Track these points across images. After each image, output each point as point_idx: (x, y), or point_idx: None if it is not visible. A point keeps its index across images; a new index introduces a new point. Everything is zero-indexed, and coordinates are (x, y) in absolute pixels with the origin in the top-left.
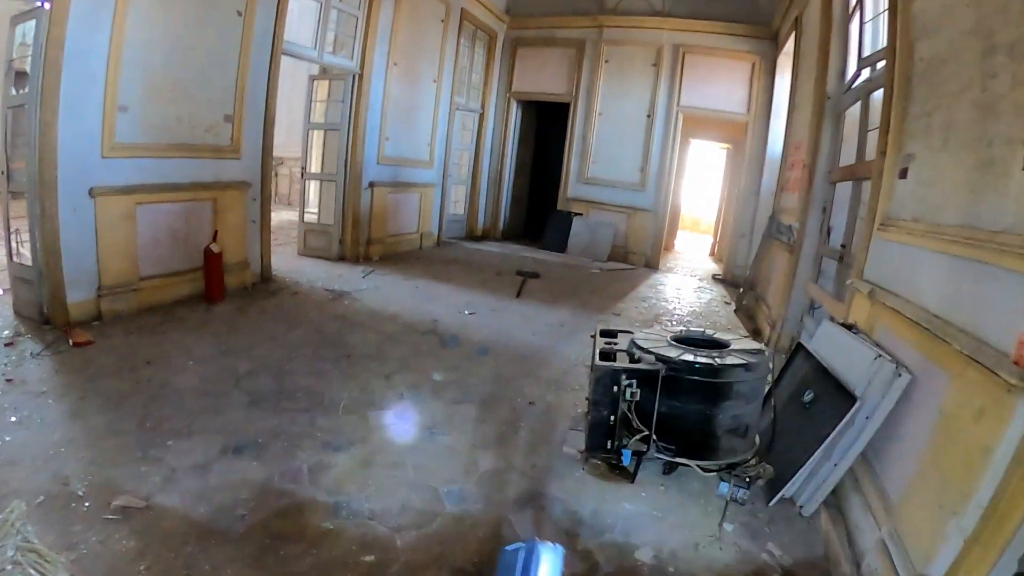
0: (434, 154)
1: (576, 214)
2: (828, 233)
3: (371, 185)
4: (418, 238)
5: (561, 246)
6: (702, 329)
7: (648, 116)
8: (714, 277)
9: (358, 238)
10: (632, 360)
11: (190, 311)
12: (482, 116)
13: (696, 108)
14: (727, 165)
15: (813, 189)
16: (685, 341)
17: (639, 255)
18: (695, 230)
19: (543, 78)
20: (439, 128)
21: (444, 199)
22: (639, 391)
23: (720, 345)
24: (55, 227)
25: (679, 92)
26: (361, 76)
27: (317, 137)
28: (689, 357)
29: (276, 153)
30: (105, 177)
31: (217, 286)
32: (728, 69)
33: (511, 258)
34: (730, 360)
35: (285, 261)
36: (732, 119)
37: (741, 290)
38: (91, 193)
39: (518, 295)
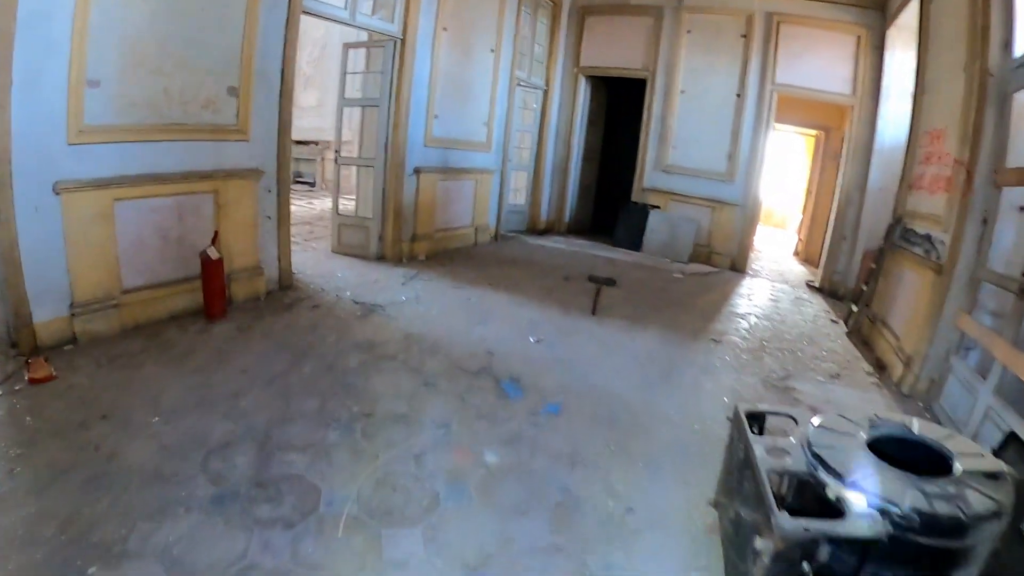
0: (492, 136)
1: (653, 207)
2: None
3: (416, 171)
4: (472, 232)
5: (635, 243)
6: (903, 423)
7: (738, 96)
8: (808, 285)
9: (400, 234)
10: (821, 498)
11: (181, 333)
12: (546, 93)
13: (793, 87)
14: (817, 154)
15: (972, 194)
16: (883, 443)
17: (724, 256)
18: (767, 223)
19: (615, 51)
20: (497, 106)
21: (503, 187)
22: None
23: (940, 458)
24: (11, 233)
25: (773, 68)
26: (404, 42)
27: (354, 115)
28: (923, 503)
29: (319, 136)
30: (73, 169)
31: (217, 300)
32: (828, 43)
33: (579, 258)
34: (979, 505)
35: (314, 261)
36: (833, 101)
37: (852, 307)
38: (56, 189)
39: (593, 311)
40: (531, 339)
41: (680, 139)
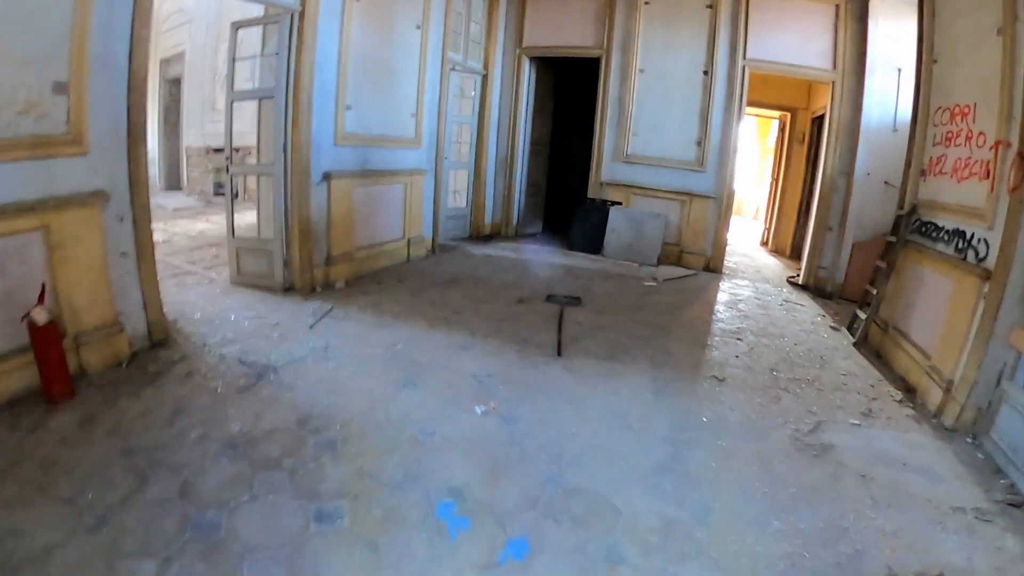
0: (421, 129)
1: (613, 203)
2: None
3: (327, 177)
4: (404, 247)
5: (595, 246)
6: None
7: (705, 73)
8: (790, 282)
9: (311, 257)
10: None
11: (10, 431)
12: (485, 79)
13: (766, 62)
14: (782, 137)
15: None
16: None
17: (697, 255)
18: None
19: (563, 27)
20: (427, 94)
21: (439, 190)
22: None
23: None
24: None
25: (744, 42)
26: (303, 16)
27: (247, 112)
28: None
29: (240, 142)
30: None
31: (56, 377)
32: (805, 13)
33: (533, 269)
34: None
35: (207, 298)
36: (811, 77)
37: (857, 312)
38: None
39: (558, 350)
40: (478, 409)
41: (641, 125)
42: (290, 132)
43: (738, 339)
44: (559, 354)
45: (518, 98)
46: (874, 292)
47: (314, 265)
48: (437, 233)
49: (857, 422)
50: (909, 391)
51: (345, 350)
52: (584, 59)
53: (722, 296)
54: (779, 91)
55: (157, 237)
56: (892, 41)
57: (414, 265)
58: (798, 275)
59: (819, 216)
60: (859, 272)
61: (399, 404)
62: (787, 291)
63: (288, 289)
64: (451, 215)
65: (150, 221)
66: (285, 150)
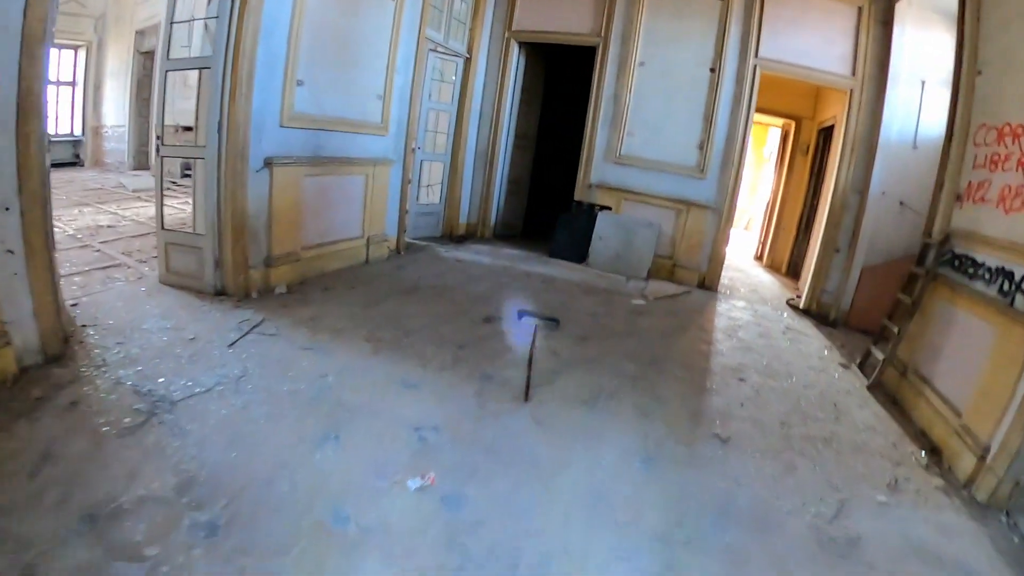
0: (389, 114)
1: (602, 208)
2: None
3: (268, 163)
4: (363, 247)
5: (579, 254)
6: None
7: (712, 71)
8: (790, 305)
9: (246, 257)
10: None
11: None
12: (468, 63)
13: (780, 63)
14: (784, 147)
15: None
16: None
17: (691, 271)
18: None
19: (558, 11)
20: (399, 74)
21: (406, 183)
22: None
23: None
24: None
25: (757, 39)
26: None
27: (182, 83)
28: None
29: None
30: None
31: None
32: (825, 12)
33: (507, 278)
34: None
35: (128, 300)
36: (828, 82)
37: (871, 350)
38: None
39: (526, 395)
40: (412, 483)
41: (638, 123)
42: (227, 107)
43: (741, 379)
44: (527, 398)
45: (503, 86)
46: (895, 330)
47: (250, 266)
48: (403, 232)
49: (884, 499)
50: (934, 451)
51: (263, 382)
52: (579, 48)
53: (719, 320)
54: (784, 97)
55: (103, 221)
56: (917, 51)
57: (373, 268)
58: (798, 297)
59: (827, 235)
60: (868, 299)
61: (311, 469)
62: (788, 316)
63: (219, 293)
64: (422, 212)
65: (46, 211)
66: (220, 130)
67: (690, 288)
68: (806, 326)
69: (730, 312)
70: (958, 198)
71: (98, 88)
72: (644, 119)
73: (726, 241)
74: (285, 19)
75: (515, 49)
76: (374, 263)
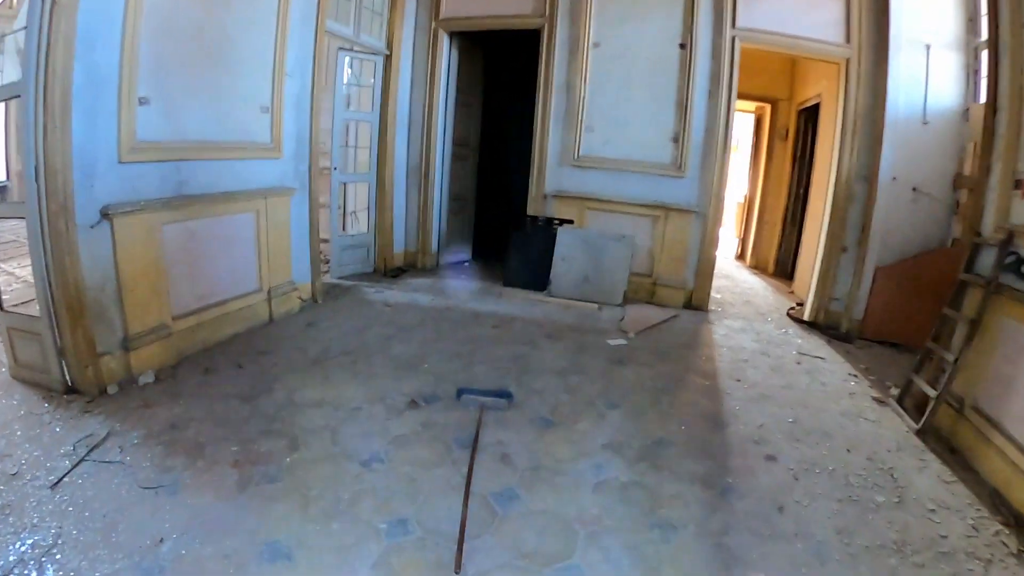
0: (280, 130)
1: (562, 222)
2: None
3: (106, 215)
4: (262, 303)
5: (539, 280)
6: None
7: (682, 47)
8: (792, 317)
9: (91, 341)
10: None
11: None
12: (389, 61)
13: (762, 33)
14: (760, 134)
15: None
16: None
17: (676, 288)
18: None
19: None
20: (292, 78)
21: (315, 212)
22: None
23: None
24: None
25: (733, 5)
26: None
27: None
28: None
29: None
30: None
31: None
32: None
33: (448, 324)
34: None
35: None
36: (819, 53)
37: (914, 380)
38: None
39: (458, 563)
40: None
41: (597, 117)
42: (40, 144)
43: (769, 456)
44: (458, 569)
45: (434, 86)
46: (949, 358)
47: (101, 353)
48: (319, 275)
49: None
50: (1019, 523)
51: (74, 556)
52: (521, 32)
53: (720, 356)
54: (756, 78)
55: None
56: (918, 11)
57: (277, 330)
58: (799, 306)
59: (831, 233)
60: (884, 305)
61: None
62: (794, 334)
63: (70, 390)
64: (348, 245)
65: None
66: (37, 178)
67: (676, 311)
68: (818, 345)
69: (729, 339)
70: (1017, 184)
71: None
72: (604, 111)
73: (715, 249)
74: (116, 19)
75: (445, 41)
76: (280, 322)
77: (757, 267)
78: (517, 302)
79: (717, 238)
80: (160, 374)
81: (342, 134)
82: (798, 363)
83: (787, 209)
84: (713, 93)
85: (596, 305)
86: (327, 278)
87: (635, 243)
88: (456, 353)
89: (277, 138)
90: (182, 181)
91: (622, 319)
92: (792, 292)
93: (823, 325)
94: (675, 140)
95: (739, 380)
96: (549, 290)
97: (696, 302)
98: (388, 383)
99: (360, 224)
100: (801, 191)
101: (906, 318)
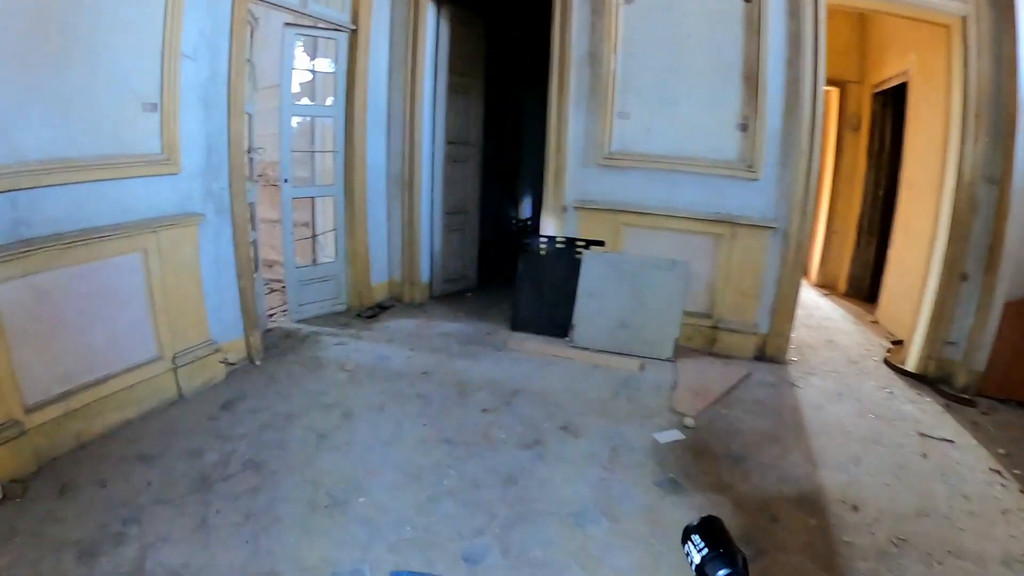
0: (175, 133)
1: (589, 243)
2: None
3: None
4: (167, 374)
5: (557, 323)
6: None
7: (747, 0)
8: (891, 365)
9: None
10: None
11: None
12: (356, 38)
13: None
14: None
15: None
16: None
17: (743, 334)
18: None
19: None
20: (198, 61)
21: (243, 243)
22: None
23: None
24: None
25: None
26: None
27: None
28: None
29: None
30: None
31: None
32: None
33: (419, 405)
34: None
35: None
36: (925, 12)
37: None
38: None
39: None
40: None
41: (635, 97)
42: None
43: None
44: None
45: (417, 69)
46: None
47: None
48: (253, 328)
49: None
50: None
51: None
52: None
53: (821, 450)
54: None
55: None
56: None
57: (182, 412)
58: (894, 345)
59: (950, 255)
60: (1014, 352)
61: None
62: (901, 395)
63: None
64: (309, 278)
65: None
66: None
67: (746, 367)
68: (936, 413)
69: (825, 415)
70: None
71: None
72: (644, 89)
73: (800, 280)
74: None
75: (430, 9)
76: (192, 399)
77: (825, 286)
78: (525, 358)
79: (803, 264)
80: (8, 490)
81: (295, 136)
82: (924, 455)
83: (862, 216)
84: (792, 62)
85: (637, 361)
86: (282, 322)
87: (691, 272)
88: (417, 471)
89: (171, 145)
90: (18, 220)
91: (674, 387)
92: (876, 322)
93: (933, 378)
94: (743, 127)
95: (856, 508)
96: (571, 338)
97: (771, 352)
98: (289, 544)
99: (326, 251)
100: (880, 193)
101: None
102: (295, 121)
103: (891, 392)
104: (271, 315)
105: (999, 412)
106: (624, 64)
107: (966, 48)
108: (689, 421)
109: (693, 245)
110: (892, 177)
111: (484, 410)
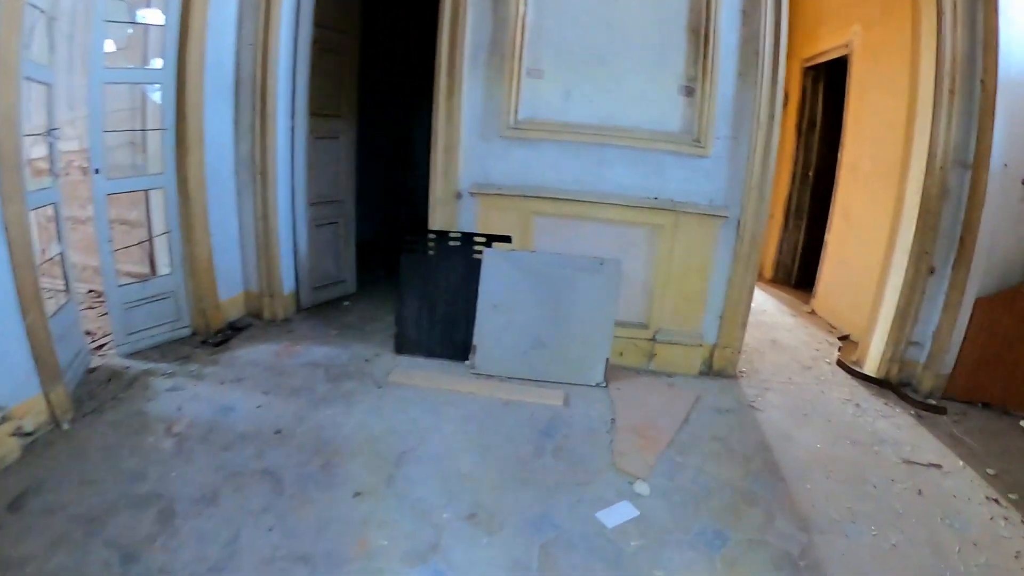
0: None
1: (491, 240)
2: None
3: None
4: None
5: (453, 344)
6: None
7: None
8: (846, 368)
9: None
10: None
11: None
12: None
13: None
14: None
15: None
16: None
17: (686, 346)
18: None
19: None
20: None
21: (22, 269)
22: None
23: None
24: None
25: None
26: None
27: None
28: None
29: None
30: None
31: None
32: None
33: (263, 494)
34: None
35: None
36: None
37: None
38: None
39: None
40: None
41: (550, 50)
42: None
43: None
44: None
45: (272, 18)
46: None
47: None
48: (54, 380)
49: None
50: None
51: None
52: None
53: (806, 501)
54: None
55: None
56: None
57: None
58: (841, 341)
59: (918, 246)
60: (982, 353)
61: None
62: (868, 407)
63: None
64: (139, 298)
65: None
66: None
67: (694, 389)
68: (910, 427)
69: (794, 445)
70: None
71: None
72: (563, 41)
73: (752, 280)
74: None
75: None
76: None
77: (773, 280)
78: (414, 396)
79: (757, 260)
80: None
81: (107, 111)
82: (919, 492)
83: (790, 197)
84: (749, 13)
85: (559, 392)
86: (109, 358)
87: (623, 273)
88: None
89: None
90: None
91: (612, 427)
92: (813, 312)
93: (895, 382)
94: (688, 91)
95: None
96: (472, 362)
97: (720, 365)
98: None
99: (159, 263)
100: (810, 174)
101: (1010, 372)
102: (123, 95)
103: (857, 405)
104: (100, 346)
105: (970, 418)
106: (537, 8)
107: (939, 17)
108: (642, 488)
109: (626, 239)
110: (826, 158)
111: (357, 494)
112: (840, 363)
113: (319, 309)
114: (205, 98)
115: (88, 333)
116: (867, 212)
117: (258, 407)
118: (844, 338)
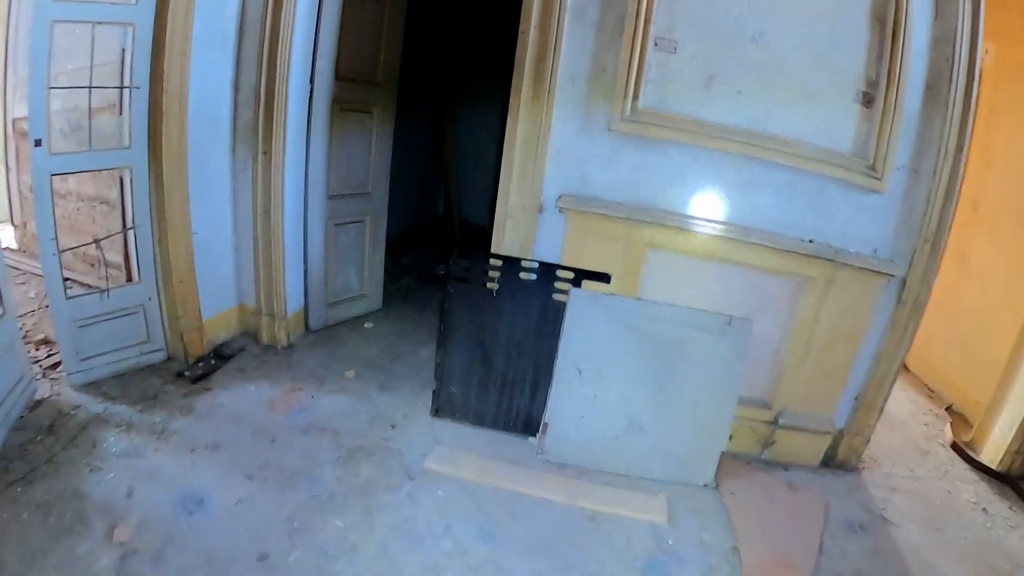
0: None
1: (581, 277)
2: None
3: None
4: None
5: (511, 414)
6: None
7: None
8: (964, 456)
9: None
10: None
11: None
12: None
13: None
14: None
15: None
16: None
17: (813, 432)
18: None
19: None
20: None
21: None
22: None
23: None
24: None
25: None
26: None
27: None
28: None
29: None
30: None
31: None
32: None
33: None
34: None
35: None
36: None
37: None
38: None
39: None
40: None
41: (689, 18)
42: None
43: None
44: None
45: None
46: None
47: None
48: None
49: None
50: None
51: None
52: None
53: None
54: None
55: None
56: None
57: None
58: (949, 414)
59: None
60: None
61: None
62: (993, 512)
63: None
64: (96, 314)
65: None
66: None
67: (818, 492)
68: None
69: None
70: None
71: None
72: (704, 5)
73: (903, 354)
74: None
75: None
76: None
77: None
78: (461, 495)
79: (914, 330)
80: None
81: (51, 57)
82: None
83: None
84: (943, 8)
85: (661, 503)
86: (62, 384)
87: (757, 338)
88: None
89: None
90: None
91: (735, 556)
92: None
93: (1016, 476)
94: (867, 100)
95: None
96: (541, 444)
97: (844, 455)
98: None
99: (120, 270)
100: None
101: None
102: (105, 43)
103: (985, 511)
104: (57, 363)
105: None
106: None
107: None
108: None
109: (762, 292)
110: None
111: None
112: (955, 447)
113: (333, 332)
114: (192, 46)
115: (46, 343)
116: (991, 257)
117: (237, 503)
118: (948, 408)
